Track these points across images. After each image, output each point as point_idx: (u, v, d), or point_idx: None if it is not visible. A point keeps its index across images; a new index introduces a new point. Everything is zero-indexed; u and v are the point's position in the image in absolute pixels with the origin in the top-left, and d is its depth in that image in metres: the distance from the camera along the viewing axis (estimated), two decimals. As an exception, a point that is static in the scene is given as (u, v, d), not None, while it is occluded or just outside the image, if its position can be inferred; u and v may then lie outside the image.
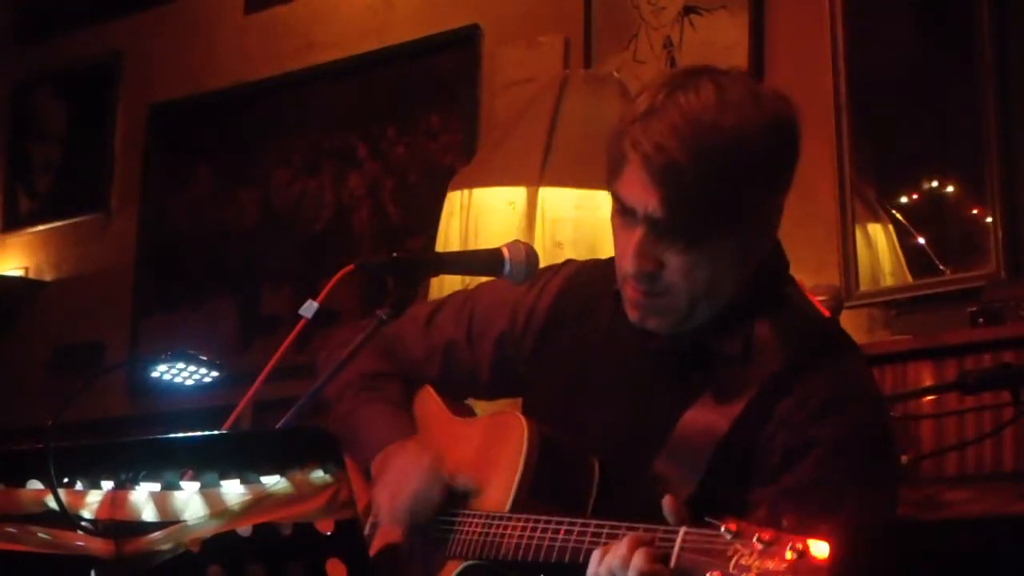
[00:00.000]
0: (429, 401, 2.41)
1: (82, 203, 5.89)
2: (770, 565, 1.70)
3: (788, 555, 1.69)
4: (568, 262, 2.42)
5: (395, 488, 2.23)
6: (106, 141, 5.86)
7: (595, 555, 1.91)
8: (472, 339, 2.39)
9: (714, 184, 2.03)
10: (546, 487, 2.13)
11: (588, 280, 2.33)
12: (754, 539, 1.72)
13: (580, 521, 2.01)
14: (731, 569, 1.73)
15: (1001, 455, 3.12)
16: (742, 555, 1.73)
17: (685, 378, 2.15)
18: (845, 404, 2.07)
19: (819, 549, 1.69)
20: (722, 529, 1.76)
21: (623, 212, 2.11)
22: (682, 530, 1.83)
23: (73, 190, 5.94)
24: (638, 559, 1.84)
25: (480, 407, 2.52)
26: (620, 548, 1.87)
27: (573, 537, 1.99)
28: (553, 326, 2.33)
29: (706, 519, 1.80)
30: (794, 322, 2.16)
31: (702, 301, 2.12)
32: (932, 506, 3.08)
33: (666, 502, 1.86)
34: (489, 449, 2.23)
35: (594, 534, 1.96)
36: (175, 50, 5.72)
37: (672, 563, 1.82)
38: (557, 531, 2.02)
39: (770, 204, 2.14)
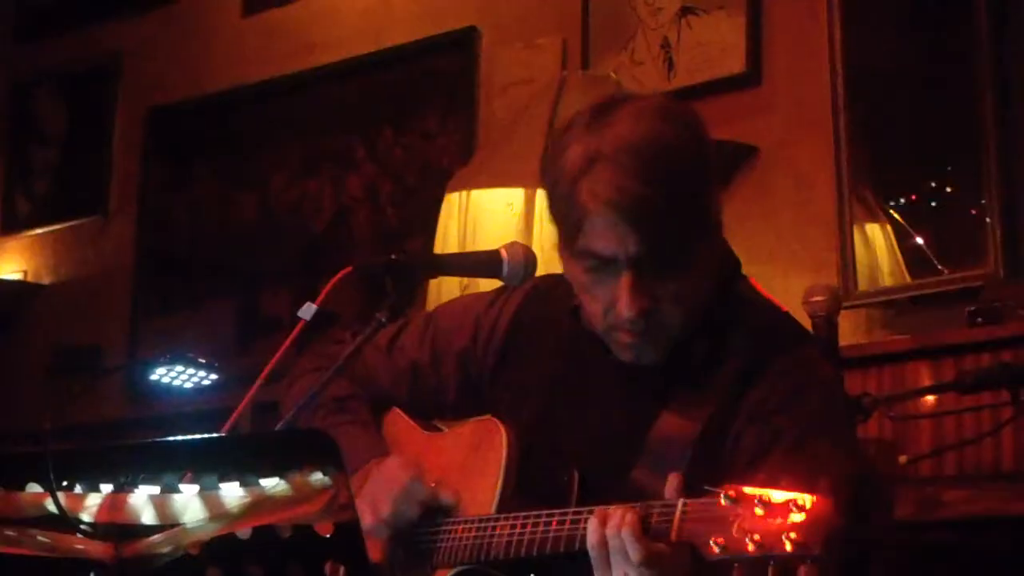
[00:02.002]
0: (399, 421, 2.40)
1: (81, 205, 5.89)
2: (773, 525, 1.71)
3: (791, 512, 1.70)
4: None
5: (375, 500, 2.22)
6: (105, 143, 5.86)
7: (592, 523, 1.91)
8: (436, 359, 2.38)
9: (680, 201, 2.05)
10: (529, 488, 2.13)
11: (546, 295, 2.33)
12: (755, 501, 1.73)
13: (571, 511, 2.01)
14: (734, 533, 1.74)
15: (1000, 455, 3.12)
16: (744, 519, 1.73)
17: (654, 385, 2.16)
18: (806, 393, 2.09)
19: (821, 504, 1.69)
20: (721, 496, 1.76)
21: (599, 267, 2.09)
22: (680, 500, 1.83)
23: (72, 192, 5.95)
24: (639, 534, 1.84)
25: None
26: (616, 517, 1.87)
27: (566, 526, 1.99)
28: (513, 342, 2.33)
29: (704, 488, 1.80)
30: (752, 317, 2.18)
31: (692, 320, 2.13)
32: (931, 506, 3.09)
33: (671, 479, 1.87)
34: (468, 456, 2.23)
35: (587, 520, 1.96)
36: (174, 52, 5.72)
37: (673, 535, 1.82)
38: (549, 523, 2.02)
39: (716, 199, 2.16)
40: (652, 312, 2.09)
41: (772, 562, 1.71)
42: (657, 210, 2.03)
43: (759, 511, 1.72)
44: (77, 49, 5.98)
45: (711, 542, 1.76)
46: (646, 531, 1.85)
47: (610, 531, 1.88)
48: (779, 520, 1.71)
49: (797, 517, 1.69)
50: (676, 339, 2.13)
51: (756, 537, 1.71)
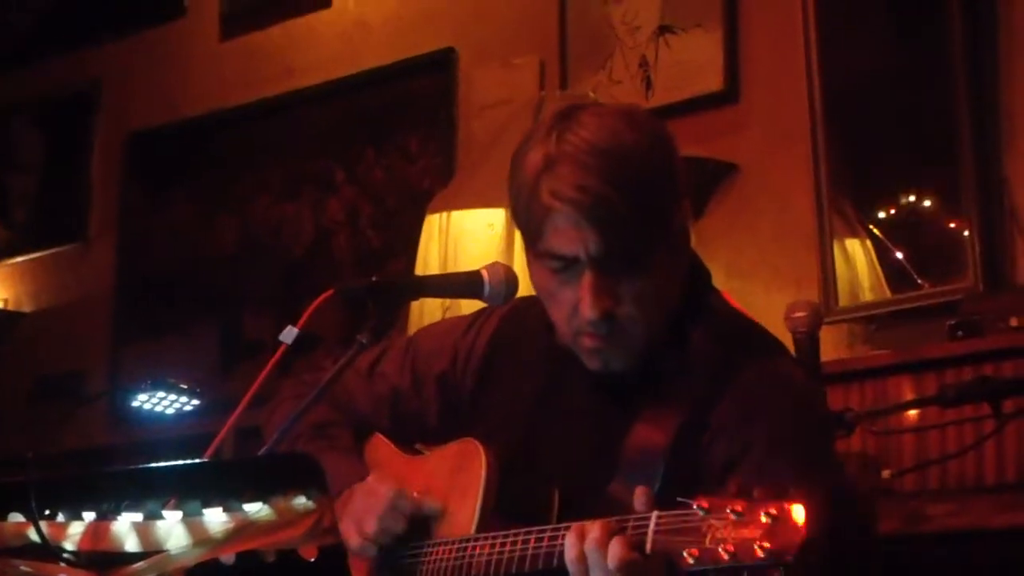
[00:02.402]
0: (381, 447, 2.40)
1: (60, 233, 5.88)
2: (746, 533, 1.71)
3: (763, 520, 1.70)
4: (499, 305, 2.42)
5: (359, 519, 2.21)
6: (83, 170, 5.85)
7: (569, 538, 1.91)
8: (417, 384, 2.39)
9: (641, 201, 2.06)
10: (509, 508, 2.13)
11: (522, 315, 2.34)
12: (727, 511, 1.73)
13: (549, 528, 2.01)
14: (707, 544, 1.74)
15: (982, 468, 3.13)
16: (717, 529, 1.74)
17: (626, 398, 2.16)
18: (776, 402, 2.09)
19: (793, 512, 1.70)
20: (694, 507, 1.77)
21: (560, 268, 2.10)
22: (654, 514, 1.84)
23: (51, 220, 5.93)
24: (615, 547, 1.84)
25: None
26: (594, 531, 1.88)
27: (544, 543, 2.00)
28: (491, 364, 2.34)
29: (677, 500, 1.80)
30: (723, 328, 2.18)
31: (657, 325, 2.14)
32: (915, 520, 3.09)
33: (639, 493, 1.87)
34: (448, 478, 2.23)
35: (565, 536, 1.96)
36: (152, 77, 5.72)
37: (648, 547, 1.82)
38: (527, 540, 2.02)
39: (683, 209, 2.16)
40: (614, 314, 2.09)
41: (746, 572, 1.71)
42: (617, 209, 2.04)
43: (732, 521, 1.73)
44: (55, 75, 5.97)
45: (685, 553, 1.76)
46: (632, 548, 1.86)
47: (588, 545, 1.88)
48: (751, 529, 1.71)
49: (769, 525, 1.70)
50: (642, 346, 2.14)
51: (729, 547, 1.72)
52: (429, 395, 2.38)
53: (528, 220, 2.12)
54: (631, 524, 1.86)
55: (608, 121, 2.10)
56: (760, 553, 1.69)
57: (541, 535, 2.01)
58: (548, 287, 2.14)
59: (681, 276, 2.18)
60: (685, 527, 1.78)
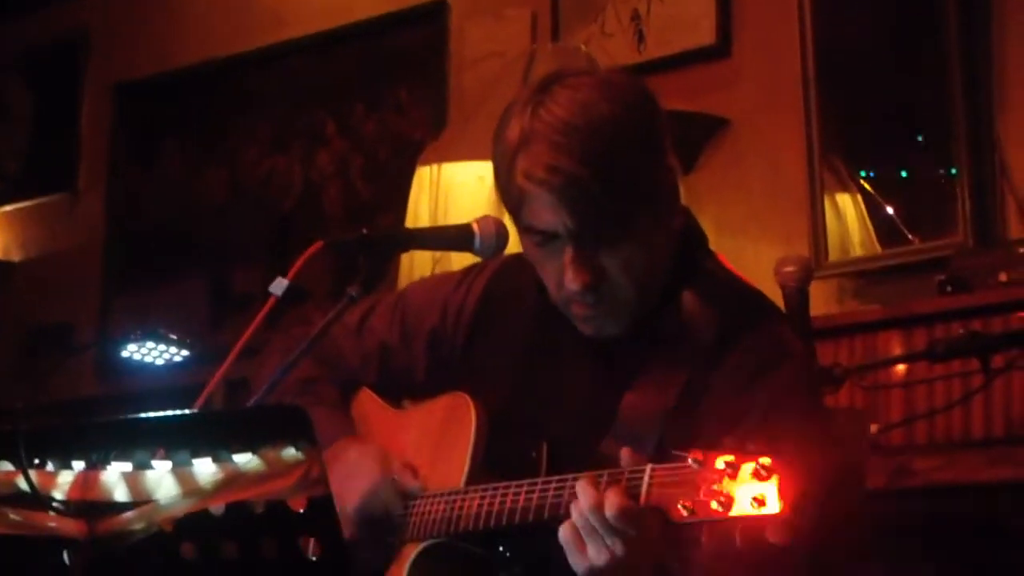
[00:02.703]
0: (368, 401, 2.40)
1: (49, 183, 5.86)
2: (739, 487, 1.72)
3: (758, 473, 1.71)
4: (491, 259, 2.42)
5: (341, 493, 2.19)
6: (72, 120, 5.83)
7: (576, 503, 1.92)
8: (406, 339, 2.39)
9: (614, 177, 2.06)
10: (499, 462, 2.13)
11: (513, 273, 2.34)
12: (722, 464, 1.74)
13: (540, 480, 2.02)
14: (701, 496, 1.75)
15: (970, 423, 3.14)
16: (711, 482, 1.75)
17: (620, 359, 2.17)
18: (775, 366, 2.10)
19: (788, 464, 1.71)
20: (689, 460, 1.77)
21: (543, 242, 2.12)
22: (649, 466, 1.84)
23: (40, 170, 5.91)
24: (612, 496, 1.85)
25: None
26: (588, 488, 1.88)
27: (535, 496, 2.00)
28: (482, 319, 2.34)
29: (672, 452, 1.81)
30: (719, 292, 2.19)
31: (648, 289, 2.14)
32: (902, 474, 3.10)
33: (624, 453, 1.87)
34: (438, 432, 2.24)
35: (556, 489, 1.97)
36: (141, 28, 5.69)
37: (642, 499, 1.83)
38: (517, 494, 2.03)
39: (665, 170, 2.16)
40: (599, 284, 2.10)
41: (739, 523, 1.72)
42: (589, 187, 2.04)
43: (726, 473, 1.74)
44: (43, 26, 5.93)
45: (679, 505, 1.77)
46: (629, 497, 1.86)
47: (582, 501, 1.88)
48: (746, 482, 1.72)
49: (764, 478, 1.71)
50: (636, 310, 2.14)
51: (723, 499, 1.73)
52: (418, 351, 2.38)
53: (508, 197, 2.13)
54: (625, 476, 1.86)
55: (583, 94, 2.09)
56: (754, 506, 1.70)
57: (532, 488, 2.01)
58: (535, 256, 2.16)
59: (672, 236, 2.18)
60: (679, 480, 1.79)
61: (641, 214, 2.09)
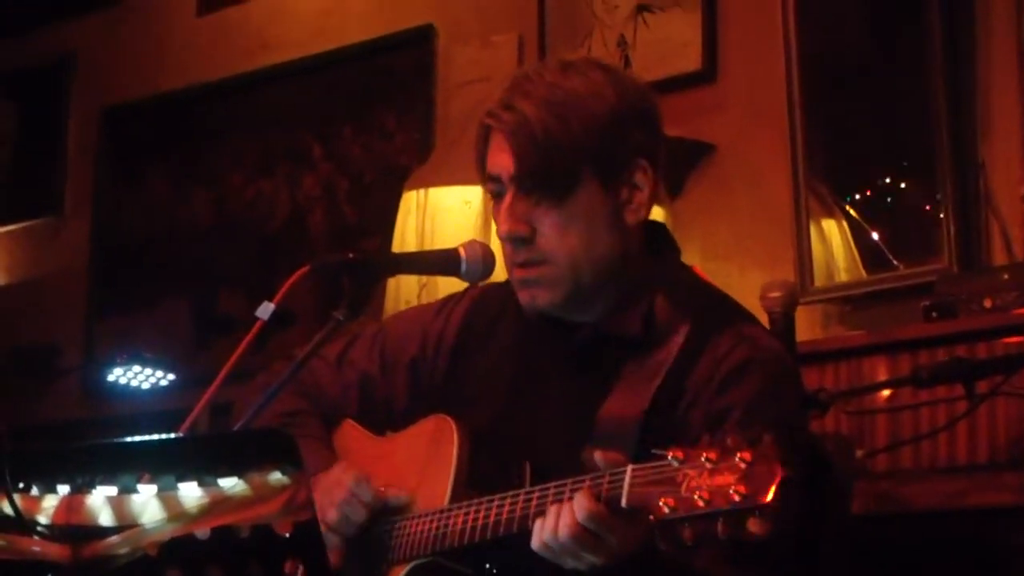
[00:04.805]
0: (350, 432, 2.41)
1: (35, 205, 5.85)
2: (721, 479, 1.72)
3: (738, 465, 1.71)
4: (470, 287, 2.43)
5: (320, 509, 2.20)
6: (59, 143, 5.82)
7: (536, 525, 1.93)
8: (386, 369, 2.40)
9: (565, 127, 2.11)
10: (482, 482, 2.14)
11: (492, 299, 2.37)
12: (702, 459, 1.75)
13: (523, 492, 2.02)
14: (683, 492, 1.75)
15: (955, 448, 3.14)
16: (692, 477, 1.75)
17: (597, 369, 2.18)
18: (751, 368, 2.12)
19: (768, 455, 1.71)
20: (669, 457, 1.78)
21: (495, 193, 2.18)
22: (629, 467, 1.85)
23: (26, 193, 5.91)
24: (579, 499, 1.86)
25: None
26: (552, 511, 1.90)
27: (519, 507, 2.01)
28: (463, 345, 2.36)
29: (652, 451, 1.81)
30: (691, 296, 2.21)
31: (584, 265, 2.16)
32: (887, 500, 3.10)
33: (598, 456, 1.88)
34: (422, 454, 2.25)
35: (539, 498, 1.98)
36: (127, 51, 5.69)
37: (624, 501, 1.84)
38: (501, 506, 2.03)
39: (628, 158, 2.18)
40: (530, 240, 2.15)
41: (721, 517, 1.72)
42: (533, 132, 2.11)
43: (707, 468, 1.74)
44: (29, 49, 5.93)
45: (660, 502, 1.77)
46: (598, 499, 1.87)
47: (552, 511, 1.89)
48: (726, 475, 1.72)
49: (744, 470, 1.71)
50: (571, 287, 2.16)
51: (704, 493, 1.73)
52: (399, 381, 2.38)
53: (477, 151, 2.20)
54: (606, 479, 1.87)
55: (571, 64, 2.18)
56: (736, 496, 1.70)
57: (515, 499, 2.02)
58: (494, 215, 2.20)
59: (629, 229, 2.19)
60: (660, 478, 1.79)
61: (586, 177, 2.12)
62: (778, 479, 1.69)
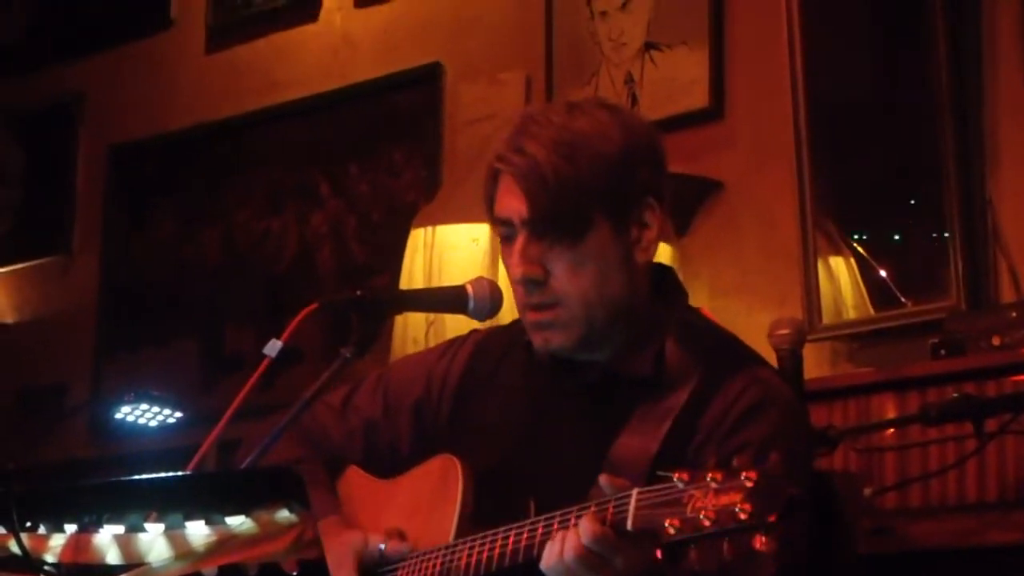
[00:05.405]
0: (355, 477, 2.40)
1: (43, 245, 5.86)
2: (727, 499, 1.72)
3: (744, 485, 1.71)
4: (474, 331, 2.44)
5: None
6: (67, 182, 5.84)
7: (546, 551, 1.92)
8: (389, 412, 2.40)
9: (568, 168, 2.12)
10: (487, 518, 2.13)
11: (497, 341, 2.38)
12: (708, 480, 1.74)
13: (529, 521, 2.02)
14: (688, 513, 1.75)
15: (964, 487, 3.13)
16: (698, 498, 1.75)
17: (608, 409, 2.18)
18: (764, 409, 2.12)
19: (774, 475, 1.70)
20: (675, 479, 1.78)
21: (506, 237, 2.18)
22: (635, 491, 1.85)
23: (34, 232, 5.92)
24: (585, 523, 1.86)
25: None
26: (558, 537, 1.89)
27: (524, 537, 2.00)
28: (468, 387, 2.35)
29: (658, 474, 1.81)
30: (702, 338, 2.21)
31: (597, 307, 2.16)
32: (896, 539, 3.09)
33: (603, 480, 1.88)
34: (428, 494, 2.24)
35: (545, 526, 1.97)
36: (136, 90, 5.71)
37: (629, 524, 1.83)
38: (506, 538, 2.03)
39: (637, 197, 2.19)
40: (543, 283, 2.14)
41: (728, 536, 1.71)
42: (544, 176, 2.11)
43: (713, 489, 1.73)
44: (37, 89, 5.96)
45: (666, 523, 1.76)
46: (603, 523, 1.87)
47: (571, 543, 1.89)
48: (732, 494, 1.72)
49: (750, 490, 1.70)
50: (585, 328, 2.16)
51: (711, 513, 1.72)
52: (403, 424, 2.38)
53: (485, 193, 2.20)
54: (612, 503, 1.87)
55: (578, 106, 2.18)
56: (742, 515, 1.70)
57: (521, 530, 2.01)
58: (505, 264, 2.20)
59: (639, 268, 2.19)
60: (666, 500, 1.79)
61: (597, 218, 2.12)
62: (785, 498, 1.69)
